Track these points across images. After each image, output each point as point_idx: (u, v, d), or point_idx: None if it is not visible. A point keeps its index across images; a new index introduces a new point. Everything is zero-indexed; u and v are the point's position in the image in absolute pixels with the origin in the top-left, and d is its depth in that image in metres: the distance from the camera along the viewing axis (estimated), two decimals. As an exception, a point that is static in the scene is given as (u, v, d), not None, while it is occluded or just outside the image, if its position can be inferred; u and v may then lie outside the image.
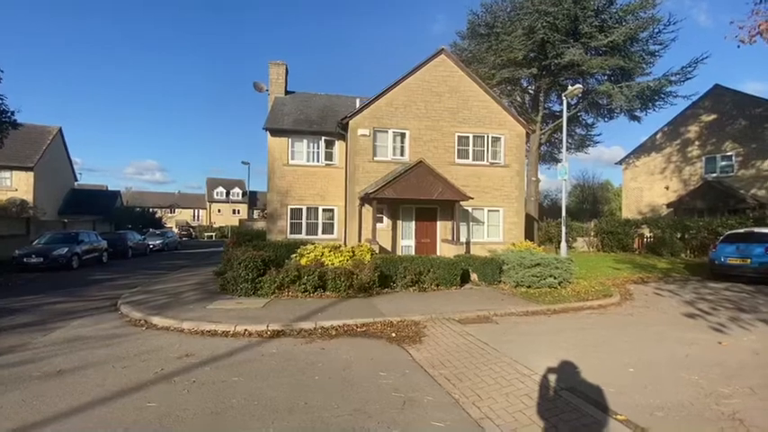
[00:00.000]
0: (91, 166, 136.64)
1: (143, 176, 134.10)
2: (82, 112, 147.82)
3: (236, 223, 48.73)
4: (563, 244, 11.63)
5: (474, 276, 11.27)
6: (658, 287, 11.34)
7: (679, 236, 19.59)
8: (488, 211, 15.27)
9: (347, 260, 10.70)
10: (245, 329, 6.74)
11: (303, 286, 9.09)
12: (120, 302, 8.84)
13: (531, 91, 27.21)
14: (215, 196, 69.17)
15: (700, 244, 18.51)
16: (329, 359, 5.46)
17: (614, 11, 21.21)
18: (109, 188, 52.81)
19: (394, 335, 6.63)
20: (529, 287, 10.16)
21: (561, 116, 28.00)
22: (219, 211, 68.17)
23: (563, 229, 11.98)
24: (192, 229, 55.73)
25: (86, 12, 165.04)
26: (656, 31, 21.31)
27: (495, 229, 15.40)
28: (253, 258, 9.24)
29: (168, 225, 52.98)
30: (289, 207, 15.60)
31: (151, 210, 45.06)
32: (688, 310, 8.42)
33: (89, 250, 17.72)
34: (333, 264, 10.45)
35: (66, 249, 15.89)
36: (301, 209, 15.68)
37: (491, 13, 23.29)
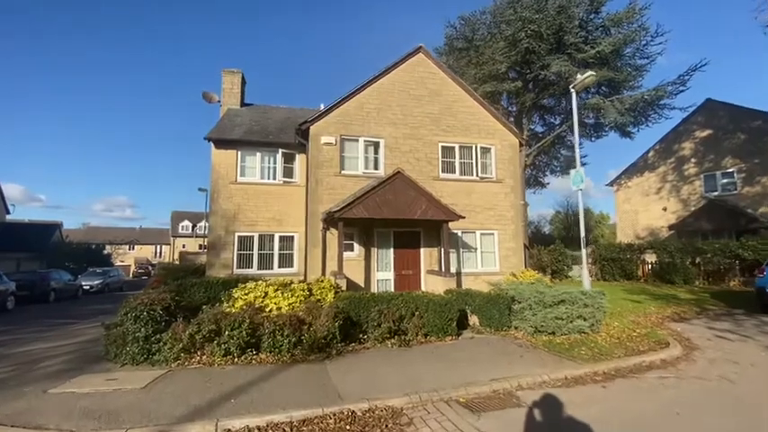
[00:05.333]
0: (57, 202, 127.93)
1: (112, 213, 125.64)
2: (49, 149, 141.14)
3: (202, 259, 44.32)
4: (584, 272, 8.91)
5: (474, 320, 8.38)
6: (710, 326, 8.69)
7: (689, 261, 17.41)
8: (481, 234, 12.63)
9: (300, 302, 7.68)
10: (76, 448, 3.60)
11: (224, 346, 5.97)
12: (-77, 384, 5.49)
13: (513, 112, 25.68)
14: (180, 230, 64.23)
15: (716, 269, 16.32)
16: None
17: (599, 22, 20.02)
18: (65, 225, 47.82)
19: (356, 445, 3.64)
20: (552, 334, 7.29)
21: (545, 137, 26.89)
22: (184, 246, 62.98)
23: (583, 251, 9.18)
24: (150, 267, 50.77)
25: (60, 66, 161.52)
26: (644, 43, 20.12)
27: (489, 256, 12.71)
28: (148, 305, 6.07)
29: (124, 262, 47.94)
30: (236, 235, 12.46)
31: (101, 245, 40.31)
32: (796, 366, 5.76)
33: (-16, 295, 14.01)
34: (279, 308, 7.42)
35: (-60, 296, 12.20)
36: (252, 236, 12.56)
37: (470, 25, 21.79)
